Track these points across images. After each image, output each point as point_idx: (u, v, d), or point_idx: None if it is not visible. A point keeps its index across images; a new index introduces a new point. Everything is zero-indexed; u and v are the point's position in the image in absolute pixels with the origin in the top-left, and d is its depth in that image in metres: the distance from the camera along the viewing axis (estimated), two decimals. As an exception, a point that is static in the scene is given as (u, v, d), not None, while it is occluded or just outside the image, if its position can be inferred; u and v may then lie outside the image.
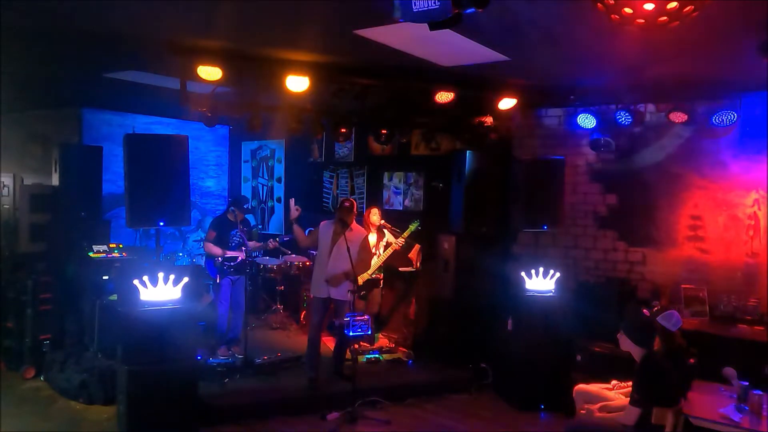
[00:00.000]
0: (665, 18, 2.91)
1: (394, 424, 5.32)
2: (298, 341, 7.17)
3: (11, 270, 6.63)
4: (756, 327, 5.42)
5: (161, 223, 5.57)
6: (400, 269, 7.28)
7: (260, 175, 10.12)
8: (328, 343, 6.62)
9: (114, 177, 7.78)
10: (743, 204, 5.82)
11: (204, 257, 7.17)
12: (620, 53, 4.49)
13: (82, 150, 7.22)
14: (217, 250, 6.47)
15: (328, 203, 9.12)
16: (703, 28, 3.81)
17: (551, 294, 5.96)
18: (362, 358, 6.51)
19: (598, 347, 5.48)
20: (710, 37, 4.07)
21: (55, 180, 6.74)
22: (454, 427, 5.39)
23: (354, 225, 5.93)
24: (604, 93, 6.01)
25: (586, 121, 6.31)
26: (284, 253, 7.85)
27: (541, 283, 5.97)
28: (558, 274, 5.97)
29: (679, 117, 5.77)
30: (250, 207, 9.74)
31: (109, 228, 7.17)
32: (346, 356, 5.92)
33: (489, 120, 6.74)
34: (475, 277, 6.58)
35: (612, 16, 3.00)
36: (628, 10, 2.92)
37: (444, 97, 5.87)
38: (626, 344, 4.04)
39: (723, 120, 5.59)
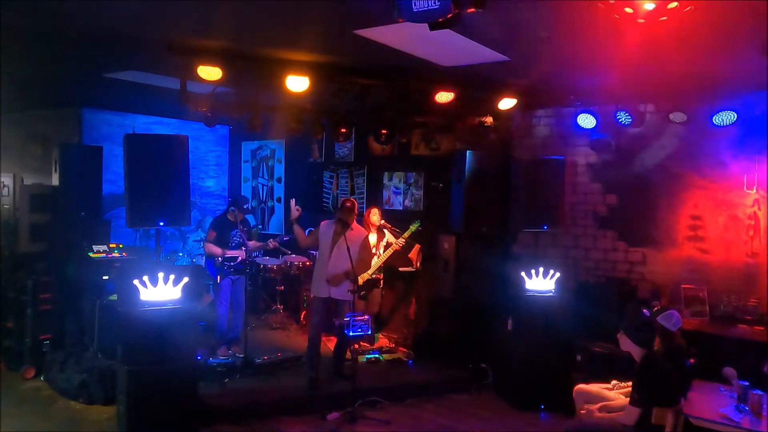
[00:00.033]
0: (666, 18, 2.91)
1: (394, 424, 5.32)
2: (298, 341, 7.17)
3: (11, 270, 6.63)
4: (756, 327, 5.42)
5: (161, 223, 5.57)
6: (400, 269, 7.28)
7: (260, 175, 10.12)
8: (329, 343, 6.62)
9: (114, 177, 7.78)
10: (743, 204, 5.82)
11: (204, 257, 7.17)
12: (620, 53, 4.49)
13: (82, 150, 7.22)
14: (217, 250, 6.47)
15: (328, 203, 9.12)
16: (703, 29, 3.81)
17: (551, 294, 5.96)
18: (362, 358, 6.51)
19: (598, 347, 5.47)
20: (710, 37, 4.06)
21: (55, 180, 6.74)
22: (454, 427, 5.39)
23: (354, 225, 5.93)
24: (604, 93, 6.01)
25: (586, 121, 6.31)
26: (284, 253, 7.85)
27: (541, 283, 5.97)
28: (558, 274, 5.97)
29: (679, 117, 5.77)
30: (250, 207, 9.73)
31: (109, 228, 7.16)
32: (346, 356, 5.92)
33: (489, 120, 6.74)
34: (475, 277, 6.57)
35: (612, 15, 3.01)
36: (628, 9, 2.92)
37: (444, 97, 5.87)
38: (626, 344, 4.04)
39: (723, 120, 5.59)
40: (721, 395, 4.10)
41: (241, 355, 6.09)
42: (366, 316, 5.40)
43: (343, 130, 6.82)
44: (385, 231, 7.06)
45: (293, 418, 5.33)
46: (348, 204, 5.88)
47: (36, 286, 6.27)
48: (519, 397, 5.86)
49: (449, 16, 2.62)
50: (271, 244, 7.03)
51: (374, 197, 8.39)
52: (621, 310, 5.52)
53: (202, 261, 8.16)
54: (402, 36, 4.42)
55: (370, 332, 5.45)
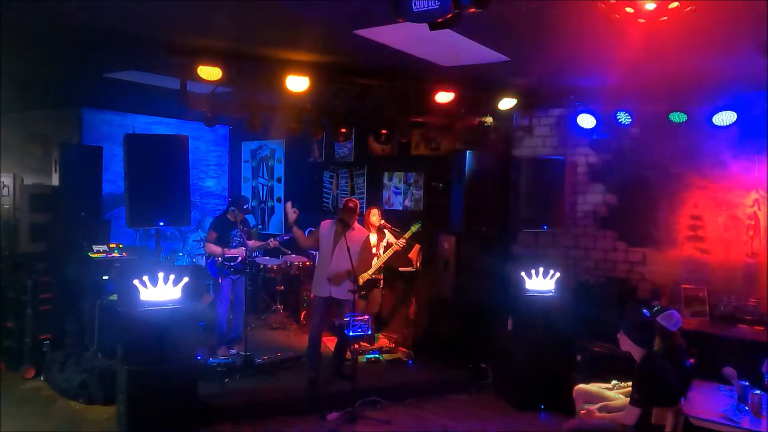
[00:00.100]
0: (666, 18, 2.91)
1: (394, 424, 5.32)
2: (298, 341, 7.17)
3: (11, 270, 6.62)
4: (756, 327, 5.42)
5: (161, 223, 5.57)
6: (400, 269, 7.28)
7: (260, 175, 10.12)
8: (329, 343, 6.62)
9: (114, 177, 7.78)
10: (743, 204, 5.82)
11: (205, 257, 7.18)
12: (620, 53, 4.49)
13: (82, 150, 7.22)
14: (218, 250, 6.47)
15: (328, 203, 9.12)
16: (703, 28, 3.81)
17: (551, 294, 5.96)
18: (362, 358, 6.51)
19: (598, 347, 5.47)
20: (710, 37, 4.07)
21: (55, 180, 6.74)
22: (454, 427, 5.39)
23: (356, 225, 5.94)
24: (604, 93, 6.00)
25: (586, 121, 6.31)
26: (284, 253, 7.85)
27: (541, 283, 5.97)
28: (558, 274, 5.97)
29: (679, 117, 5.77)
30: (250, 207, 9.74)
31: (109, 228, 7.16)
32: (346, 356, 5.92)
33: (489, 120, 6.74)
34: (475, 277, 6.57)
35: (613, 15, 3.01)
36: (629, 9, 2.92)
37: (444, 97, 5.87)
38: (626, 344, 4.04)
39: (723, 120, 5.59)
40: (721, 395, 4.10)
41: (245, 354, 6.08)
42: (366, 316, 5.40)
43: (343, 130, 6.82)
44: (386, 231, 7.06)
45: (293, 418, 5.33)
46: (351, 204, 5.88)
47: (36, 286, 6.27)
48: (519, 397, 5.86)
49: (449, 16, 2.62)
50: (272, 243, 7.03)
51: (374, 197, 8.39)
52: (621, 310, 5.53)
53: (203, 261, 8.16)
54: (402, 36, 4.42)
55: (370, 332, 5.44)
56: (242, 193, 9.94)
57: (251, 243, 6.78)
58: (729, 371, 4.20)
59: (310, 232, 6.30)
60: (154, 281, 4.72)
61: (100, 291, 6.10)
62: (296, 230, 6.08)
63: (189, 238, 9.68)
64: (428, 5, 2.62)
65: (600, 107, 6.23)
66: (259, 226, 9.91)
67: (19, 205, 7.27)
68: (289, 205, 6.17)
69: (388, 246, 6.97)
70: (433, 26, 2.74)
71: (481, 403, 5.96)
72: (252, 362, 6.03)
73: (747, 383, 3.95)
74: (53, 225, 6.68)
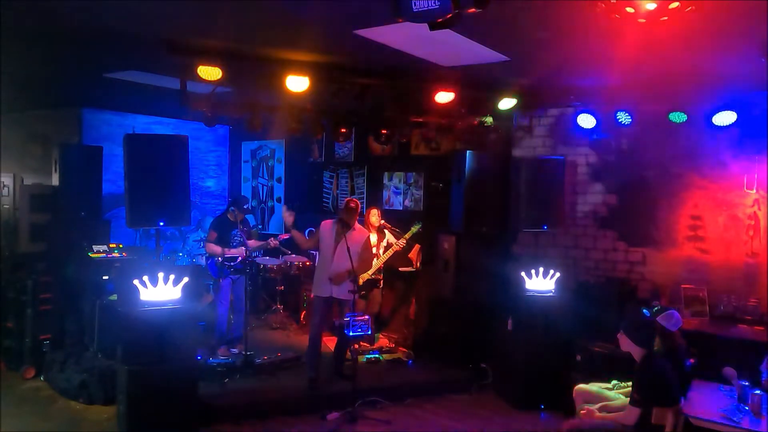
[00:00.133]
0: (666, 18, 2.91)
1: (394, 424, 5.32)
2: (298, 341, 7.17)
3: (11, 270, 6.62)
4: (756, 327, 5.42)
5: (161, 223, 5.57)
6: (400, 269, 7.28)
7: (260, 175, 10.12)
8: (329, 343, 6.62)
9: (114, 177, 7.79)
10: (743, 204, 5.82)
11: (205, 257, 7.18)
12: (620, 53, 4.49)
13: (82, 150, 7.23)
14: (218, 250, 6.47)
15: (328, 203, 9.12)
16: (704, 28, 3.81)
17: (551, 294, 5.96)
18: (362, 358, 6.51)
19: (598, 347, 5.47)
20: (710, 37, 4.07)
21: (55, 180, 6.74)
22: (454, 427, 5.39)
23: (356, 225, 5.94)
24: (604, 93, 6.00)
25: (586, 121, 6.31)
26: (284, 253, 7.85)
27: (541, 283, 5.97)
28: (558, 274, 5.97)
29: (679, 117, 5.77)
30: (250, 207, 9.74)
31: (109, 228, 7.16)
32: (346, 356, 5.92)
33: (489, 120, 6.74)
34: (475, 277, 6.57)
35: (613, 15, 3.01)
36: (629, 9, 2.92)
37: (444, 97, 5.87)
38: (626, 344, 4.04)
39: (723, 120, 5.59)
40: (721, 395, 4.10)
41: (246, 353, 6.09)
42: (366, 316, 5.40)
43: (343, 130, 6.82)
44: (386, 231, 7.06)
45: (293, 418, 5.33)
46: (352, 204, 5.88)
47: (36, 286, 6.27)
48: (519, 397, 5.87)
49: (449, 16, 2.62)
50: (272, 242, 7.04)
51: (374, 197, 8.40)
52: (621, 310, 5.53)
53: (203, 261, 8.16)
54: (402, 36, 4.42)
55: (370, 332, 5.44)
56: (242, 193, 9.95)
57: (251, 243, 6.79)
58: (729, 371, 4.21)
59: (310, 232, 6.30)
60: (154, 281, 4.72)
61: (100, 291, 6.10)
62: (295, 232, 6.08)
63: (189, 238, 9.68)
64: (428, 5, 2.62)
65: (600, 107, 6.22)
66: (259, 226, 9.92)
67: (19, 205, 7.27)
68: (284, 208, 6.18)
69: (388, 246, 6.97)
70: (433, 26, 2.73)
71: (481, 403, 5.96)
72: (252, 362, 6.03)
73: (747, 383, 3.96)
74: (53, 225, 6.68)
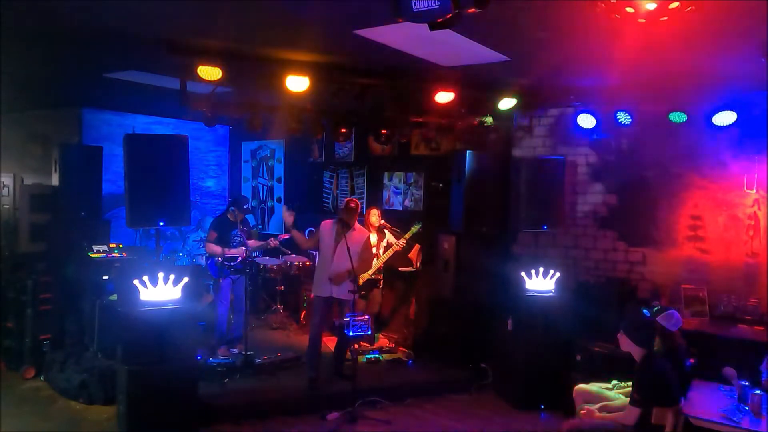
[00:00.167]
0: (666, 18, 2.91)
1: (394, 424, 5.32)
2: (298, 341, 7.17)
3: (11, 270, 6.62)
4: (756, 327, 5.42)
5: (161, 223, 5.57)
6: (400, 269, 7.28)
7: (260, 175, 10.12)
8: (329, 343, 6.62)
9: (114, 177, 7.79)
10: (743, 204, 5.82)
11: (205, 257, 7.18)
12: (620, 53, 4.49)
13: (82, 150, 7.23)
14: (218, 250, 6.47)
15: (328, 203, 9.13)
16: (704, 28, 3.81)
17: (551, 294, 5.96)
18: (362, 358, 6.51)
19: (598, 347, 5.47)
20: (710, 37, 4.07)
21: (55, 180, 6.74)
22: (454, 427, 5.39)
23: (356, 225, 5.94)
24: (604, 93, 6.00)
25: (586, 121, 6.31)
26: (284, 253, 7.86)
27: (541, 283, 5.97)
28: (558, 274, 5.97)
29: (679, 117, 5.77)
30: (250, 207, 9.74)
31: (109, 228, 7.16)
32: (346, 356, 5.92)
33: (489, 120, 6.74)
34: (475, 277, 6.57)
35: (613, 15, 3.01)
36: (629, 9, 2.92)
37: (444, 97, 5.87)
38: (626, 344, 4.04)
39: (723, 120, 5.59)
40: (721, 395, 4.10)
41: (246, 353, 6.09)
42: (366, 316, 5.40)
43: (343, 130, 6.82)
44: (386, 231, 7.06)
45: (293, 418, 5.33)
46: (352, 204, 5.88)
47: (36, 286, 6.27)
48: (519, 397, 5.86)
49: (449, 16, 2.62)
50: (272, 242, 7.04)
51: (374, 197, 8.40)
52: (621, 310, 5.52)
53: (203, 261, 8.15)
54: (402, 36, 4.42)
55: (370, 332, 5.44)
56: (242, 193, 9.95)
57: (251, 243, 6.79)
58: (729, 371, 4.20)
59: (310, 232, 6.30)
60: (154, 281, 4.72)
61: (100, 291, 6.10)
62: (295, 232, 6.09)
63: (189, 238, 9.68)
64: (428, 5, 2.62)
65: (600, 107, 6.22)
66: (259, 226, 9.92)
67: (19, 205, 7.27)
68: (284, 209, 6.18)
69: (388, 246, 6.97)
70: (433, 26, 2.73)
71: (481, 403, 5.96)
72: (252, 362, 6.03)
73: (747, 383, 3.96)
74: (53, 225, 6.69)
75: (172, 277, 4.77)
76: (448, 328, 6.66)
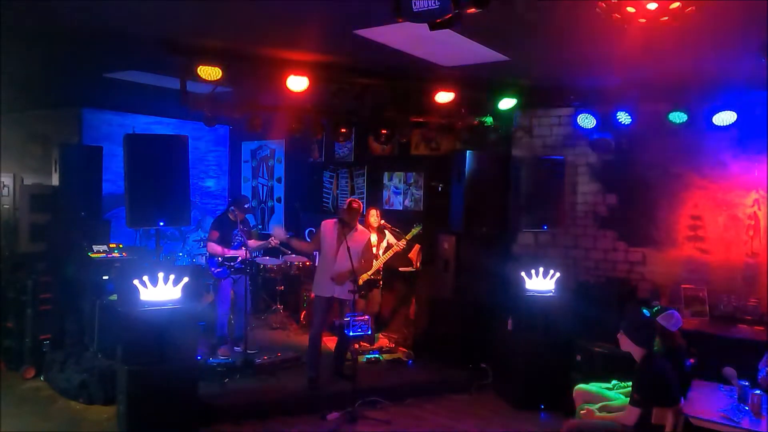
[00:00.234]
0: (667, 18, 2.91)
1: (394, 424, 5.32)
2: (298, 341, 7.17)
3: (11, 270, 6.62)
4: (756, 327, 5.42)
5: (161, 223, 5.57)
6: (400, 269, 7.28)
7: (260, 175, 10.12)
8: (329, 343, 6.62)
9: (114, 177, 7.78)
10: (743, 204, 5.82)
11: (206, 257, 7.18)
12: (620, 53, 4.49)
13: (82, 150, 7.23)
14: (219, 250, 6.47)
15: (328, 203, 9.13)
16: (704, 29, 3.81)
17: (551, 294, 5.96)
18: (362, 358, 6.51)
19: (598, 347, 5.47)
20: (710, 37, 4.07)
21: (55, 180, 6.74)
22: (454, 427, 5.39)
23: (358, 226, 5.94)
24: (604, 93, 6.01)
25: (586, 121, 6.31)
26: (284, 253, 7.85)
27: (541, 283, 5.97)
28: (558, 274, 5.97)
29: (679, 117, 5.77)
30: (250, 207, 9.74)
31: (109, 228, 7.16)
32: (347, 356, 5.92)
33: (489, 120, 6.74)
34: (475, 277, 6.57)
35: (613, 15, 3.01)
36: (630, 9, 2.92)
37: (444, 97, 5.87)
38: (626, 344, 4.04)
39: (723, 120, 5.59)
40: (721, 395, 4.11)
41: (249, 351, 6.06)
42: (366, 316, 5.39)
43: (343, 130, 6.82)
44: (386, 232, 7.06)
45: (293, 418, 5.33)
46: (354, 205, 5.86)
47: (36, 286, 6.27)
48: (519, 397, 5.86)
49: (449, 16, 2.62)
50: (273, 242, 7.04)
51: (374, 197, 8.40)
52: (621, 310, 5.52)
53: (203, 261, 8.15)
54: (402, 36, 4.43)
55: (370, 332, 5.44)
56: (242, 193, 9.95)
57: (252, 243, 6.78)
58: (729, 371, 4.21)
59: (310, 232, 6.30)
60: (154, 281, 4.72)
61: (100, 291, 6.10)
62: (294, 242, 6.13)
63: (189, 238, 9.68)
64: (428, 5, 2.62)
65: (600, 107, 6.23)
66: (259, 226, 9.92)
67: (19, 205, 7.27)
68: (277, 228, 6.23)
69: (389, 247, 6.97)
70: (433, 26, 2.74)
71: (481, 403, 5.96)
72: (252, 362, 6.03)
73: (747, 383, 3.96)
74: (53, 225, 6.68)
75: (172, 277, 4.77)
76: (448, 328, 6.66)
